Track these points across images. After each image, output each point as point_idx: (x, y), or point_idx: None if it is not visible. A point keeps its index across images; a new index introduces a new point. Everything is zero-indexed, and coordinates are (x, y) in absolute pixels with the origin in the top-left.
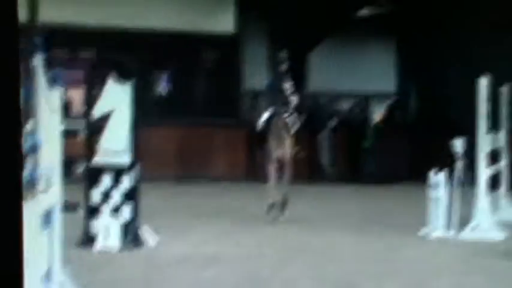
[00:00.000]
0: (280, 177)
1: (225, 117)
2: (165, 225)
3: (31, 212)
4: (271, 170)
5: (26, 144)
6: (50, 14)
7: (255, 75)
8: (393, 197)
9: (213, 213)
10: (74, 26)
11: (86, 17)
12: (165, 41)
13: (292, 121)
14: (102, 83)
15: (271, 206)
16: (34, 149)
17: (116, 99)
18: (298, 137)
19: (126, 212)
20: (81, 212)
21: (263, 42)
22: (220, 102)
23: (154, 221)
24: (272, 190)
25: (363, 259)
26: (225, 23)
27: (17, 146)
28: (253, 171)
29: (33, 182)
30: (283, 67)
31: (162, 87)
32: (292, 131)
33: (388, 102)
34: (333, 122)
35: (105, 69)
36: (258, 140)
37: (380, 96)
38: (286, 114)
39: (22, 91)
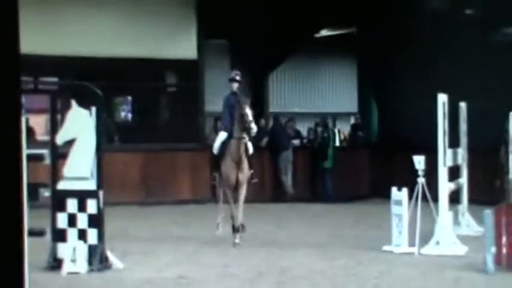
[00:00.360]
0: (236, 199)
1: (188, 141)
2: (131, 248)
3: None
4: (221, 192)
5: None
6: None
7: (217, 100)
8: (356, 214)
9: (177, 236)
10: (36, 54)
11: (48, 46)
12: (128, 66)
13: (250, 143)
14: (65, 109)
15: (218, 226)
16: None
17: (79, 125)
18: (256, 159)
19: (93, 235)
20: (47, 236)
21: (225, 67)
22: (183, 127)
23: (120, 245)
24: (221, 211)
25: (332, 275)
26: (187, 48)
27: (18, 147)
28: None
29: None
30: (235, 85)
31: (125, 112)
32: (250, 152)
33: (351, 121)
34: (294, 143)
35: (67, 96)
36: (214, 163)
37: (342, 116)
38: (244, 135)
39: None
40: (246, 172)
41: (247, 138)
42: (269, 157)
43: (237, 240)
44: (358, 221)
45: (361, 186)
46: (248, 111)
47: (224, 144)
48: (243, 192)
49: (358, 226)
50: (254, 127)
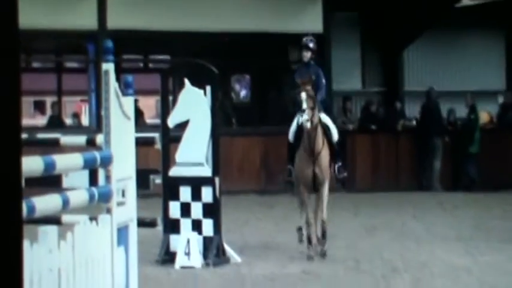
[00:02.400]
0: (316, 200)
1: None
2: (250, 241)
3: (105, 227)
4: (301, 191)
5: (98, 155)
6: (120, 20)
7: (345, 78)
8: (504, 204)
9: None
10: (146, 31)
11: (158, 21)
12: (246, 42)
13: (333, 127)
14: (177, 89)
15: (300, 234)
16: (107, 160)
17: (193, 106)
18: (389, 142)
19: (208, 227)
20: (159, 227)
21: (354, 42)
22: None
23: (239, 237)
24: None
25: (478, 273)
26: (312, 22)
27: (17, 145)
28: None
29: (106, 196)
30: (307, 55)
31: (243, 92)
32: (334, 139)
33: (498, 100)
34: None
35: (180, 75)
36: (289, 153)
37: (487, 94)
38: (322, 116)
39: (93, 98)
40: (325, 166)
41: (317, 122)
42: (406, 141)
43: (312, 253)
44: (508, 211)
45: (510, 173)
46: (304, 96)
47: (299, 129)
48: (323, 193)
49: (508, 217)
50: (306, 117)
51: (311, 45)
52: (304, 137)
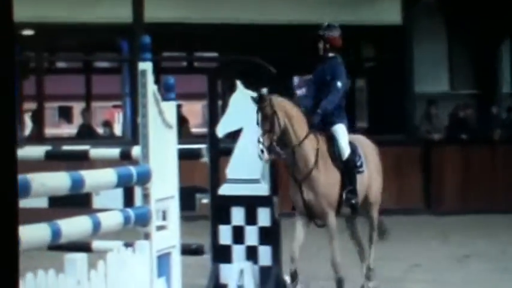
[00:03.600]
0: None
1: (392, 132)
2: (320, 272)
3: (143, 254)
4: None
5: (134, 171)
6: (159, 11)
7: (430, 78)
8: None
9: (380, 255)
10: (190, 24)
11: (204, 13)
12: (308, 36)
13: (341, 139)
14: (228, 92)
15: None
16: (144, 176)
17: (246, 112)
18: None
19: (265, 255)
20: (206, 255)
21: (439, 35)
22: (385, 113)
23: (305, 267)
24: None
25: None
26: (389, 11)
27: (12, 150)
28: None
29: (144, 218)
30: (320, 46)
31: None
32: (344, 156)
33: None
34: None
35: (231, 75)
36: None
37: None
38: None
39: (128, 104)
40: (322, 192)
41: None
42: (504, 153)
43: None
44: None
45: None
46: (259, 117)
47: None
48: (328, 226)
49: None
50: (261, 147)
51: (324, 33)
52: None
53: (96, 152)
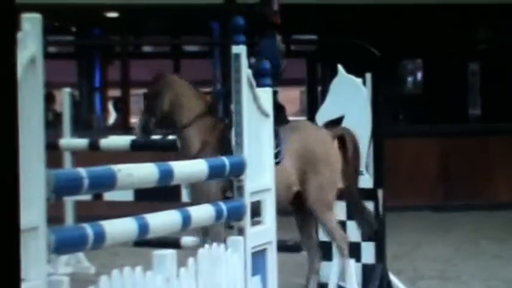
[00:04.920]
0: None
1: (506, 121)
2: (424, 270)
3: (237, 251)
4: None
5: (227, 162)
6: None
7: None
8: None
9: (490, 255)
10: (286, 4)
11: None
12: (418, 16)
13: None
14: (327, 77)
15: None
16: (238, 167)
17: (348, 100)
18: None
19: (369, 252)
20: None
21: None
22: (499, 100)
23: (409, 265)
24: None
25: None
26: None
27: (14, 146)
28: None
29: (238, 213)
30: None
31: (414, 81)
32: None
33: None
34: None
35: (331, 60)
36: None
37: None
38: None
39: (219, 89)
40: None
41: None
42: None
43: None
44: None
45: None
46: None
47: None
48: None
49: None
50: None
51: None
52: None
53: None
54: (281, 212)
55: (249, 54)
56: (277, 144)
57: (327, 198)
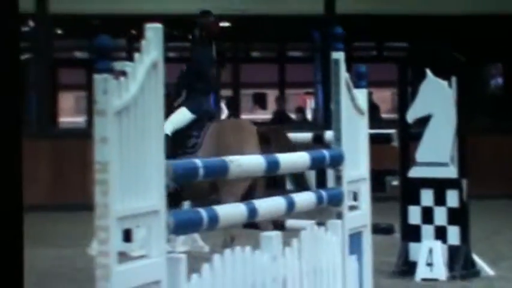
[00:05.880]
0: None
1: None
2: (504, 252)
3: (336, 233)
4: None
5: (327, 154)
6: (350, 3)
7: None
8: None
9: None
10: (379, 15)
11: (393, 4)
12: (501, 25)
13: None
14: (416, 80)
15: None
16: (337, 159)
17: (435, 99)
18: None
19: (454, 234)
20: (396, 234)
21: None
22: None
23: (490, 248)
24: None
25: None
26: None
27: (17, 140)
28: None
29: (337, 199)
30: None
31: (496, 82)
32: None
33: None
34: None
35: (420, 63)
36: None
37: None
38: None
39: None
40: None
41: None
42: None
43: None
44: None
45: None
46: None
47: None
48: None
49: None
50: None
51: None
52: None
53: (289, 136)
54: (375, 198)
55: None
56: (196, 137)
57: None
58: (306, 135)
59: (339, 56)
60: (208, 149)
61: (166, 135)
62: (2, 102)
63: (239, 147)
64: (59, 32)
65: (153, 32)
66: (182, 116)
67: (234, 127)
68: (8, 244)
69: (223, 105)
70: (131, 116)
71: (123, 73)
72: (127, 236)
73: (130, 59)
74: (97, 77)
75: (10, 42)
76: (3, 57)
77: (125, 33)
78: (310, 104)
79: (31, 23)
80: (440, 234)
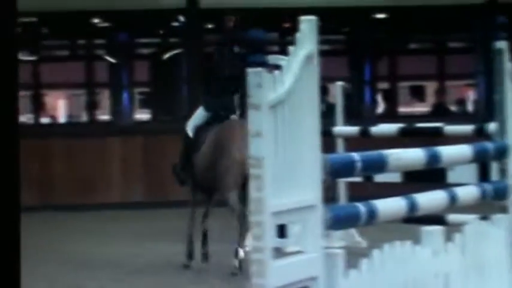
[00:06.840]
0: None
1: None
2: None
3: (501, 228)
4: None
5: (490, 147)
6: None
7: None
8: None
9: None
10: None
11: None
12: None
13: None
14: None
15: None
16: (502, 152)
17: None
18: None
19: None
20: None
21: None
22: None
23: None
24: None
25: None
26: None
27: (15, 138)
28: None
29: (502, 193)
30: None
31: None
32: None
33: None
34: None
35: None
36: None
37: None
38: None
39: (481, 82)
40: None
41: None
42: None
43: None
44: None
45: None
46: None
47: None
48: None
49: None
50: None
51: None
52: None
53: (449, 129)
54: None
55: None
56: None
57: (230, 183)
58: (467, 128)
59: (502, 45)
60: (207, 145)
61: (186, 133)
62: (2, 102)
63: (227, 144)
64: (209, 26)
65: (308, 24)
66: (199, 113)
67: (229, 125)
68: (8, 244)
69: (379, 98)
70: (286, 110)
71: (277, 67)
72: (281, 231)
73: (283, 52)
74: (250, 71)
75: (8, 42)
76: (2, 57)
77: (278, 26)
78: (470, 95)
79: (181, 18)
80: None
